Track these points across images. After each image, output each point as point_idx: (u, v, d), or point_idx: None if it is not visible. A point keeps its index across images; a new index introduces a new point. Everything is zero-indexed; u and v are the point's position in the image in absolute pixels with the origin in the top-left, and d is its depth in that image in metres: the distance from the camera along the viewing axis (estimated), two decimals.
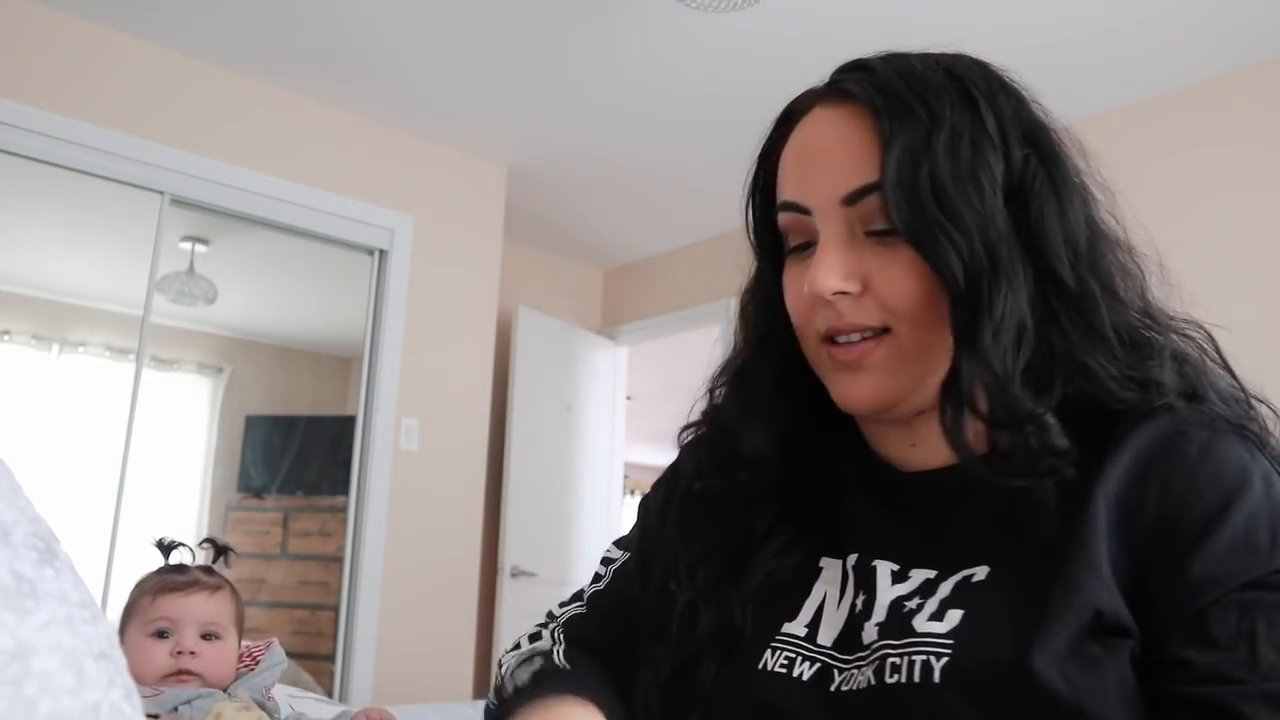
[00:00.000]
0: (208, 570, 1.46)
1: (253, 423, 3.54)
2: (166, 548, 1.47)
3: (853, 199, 0.59)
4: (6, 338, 2.88)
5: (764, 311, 0.69)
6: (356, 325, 3.31)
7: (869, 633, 0.58)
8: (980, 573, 0.56)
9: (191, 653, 1.31)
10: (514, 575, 3.77)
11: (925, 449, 0.63)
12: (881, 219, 0.58)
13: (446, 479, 3.34)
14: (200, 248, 3.22)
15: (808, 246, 0.62)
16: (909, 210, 0.55)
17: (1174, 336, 0.61)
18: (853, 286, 0.59)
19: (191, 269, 3.21)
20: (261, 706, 1.35)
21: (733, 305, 3.62)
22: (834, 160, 0.60)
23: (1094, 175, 0.63)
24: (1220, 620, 0.50)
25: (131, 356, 2.82)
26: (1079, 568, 0.52)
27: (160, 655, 1.31)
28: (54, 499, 2.63)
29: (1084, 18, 2.56)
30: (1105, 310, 0.57)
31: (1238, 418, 0.57)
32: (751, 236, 0.70)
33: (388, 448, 3.19)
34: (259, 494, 3.48)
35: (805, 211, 0.61)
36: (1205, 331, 0.62)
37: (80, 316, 3.05)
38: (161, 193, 2.85)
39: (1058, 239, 0.57)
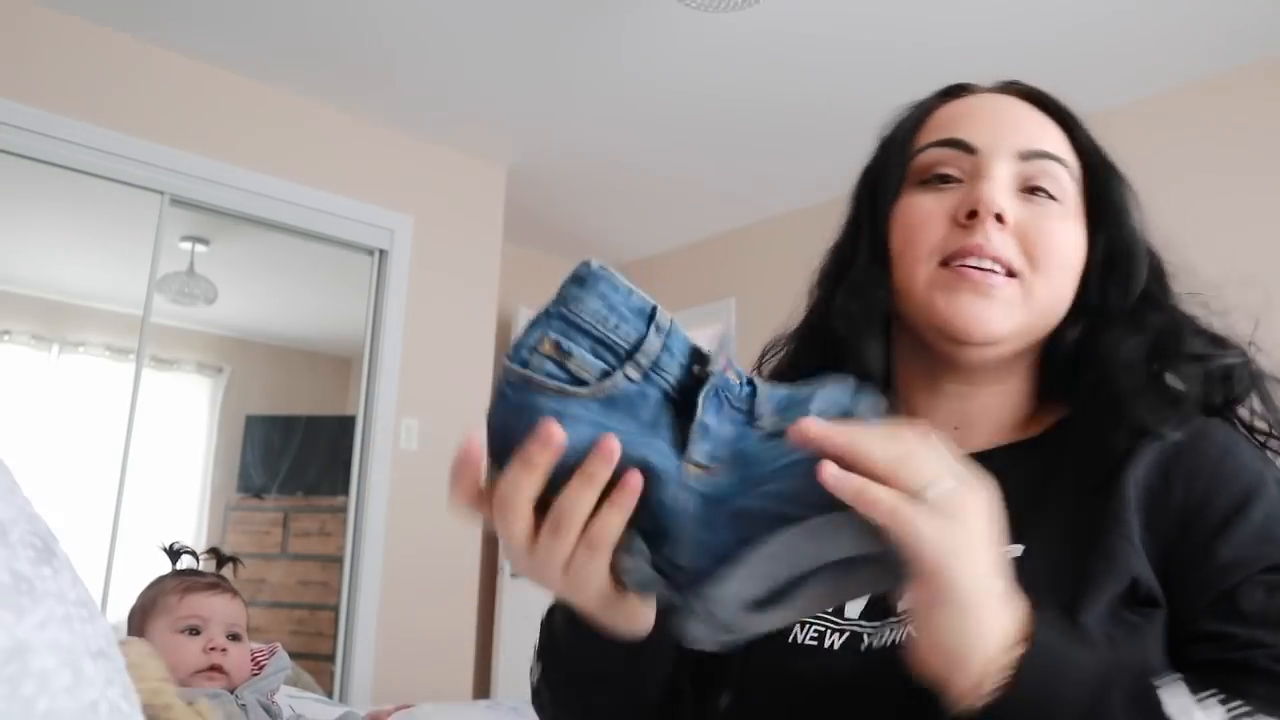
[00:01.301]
0: (220, 577, 1.50)
1: (252, 423, 3.54)
2: (175, 553, 1.50)
3: (1030, 156, 0.64)
4: (6, 338, 2.88)
5: (874, 248, 0.71)
6: (356, 325, 3.31)
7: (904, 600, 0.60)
8: (1015, 550, 0.58)
9: (223, 650, 1.35)
10: (514, 575, 3.76)
11: (967, 431, 0.67)
12: (1048, 182, 0.63)
13: (446, 479, 3.32)
14: (200, 248, 3.22)
15: (947, 180, 0.65)
16: (1109, 205, 0.65)
17: (1230, 359, 0.66)
18: (1011, 217, 0.63)
19: (191, 269, 3.21)
20: (266, 710, 1.37)
21: (733, 305, 3.61)
22: (1017, 121, 0.66)
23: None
24: (1249, 597, 0.53)
25: (131, 356, 2.82)
26: (1115, 539, 0.56)
27: (193, 650, 1.34)
28: (54, 499, 2.63)
29: (1086, 14, 2.56)
30: (1187, 336, 0.65)
31: (1262, 433, 0.64)
32: (882, 173, 0.71)
33: (387, 448, 3.19)
34: (259, 494, 3.48)
35: (970, 150, 0.65)
36: (1253, 362, 0.67)
37: (80, 316, 3.05)
38: (161, 193, 2.85)
39: (1175, 306, 0.67)
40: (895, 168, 0.68)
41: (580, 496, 0.43)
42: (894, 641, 0.58)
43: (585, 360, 0.47)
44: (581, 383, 0.47)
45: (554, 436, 0.44)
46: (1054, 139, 0.65)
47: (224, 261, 3.30)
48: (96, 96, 2.74)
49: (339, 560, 3.16)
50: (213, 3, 2.65)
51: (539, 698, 0.66)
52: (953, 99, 0.70)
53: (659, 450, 0.45)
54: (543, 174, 3.70)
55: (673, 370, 0.47)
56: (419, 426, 3.28)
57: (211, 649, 1.34)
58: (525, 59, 2.88)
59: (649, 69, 2.91)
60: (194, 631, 1.35)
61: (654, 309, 0.48)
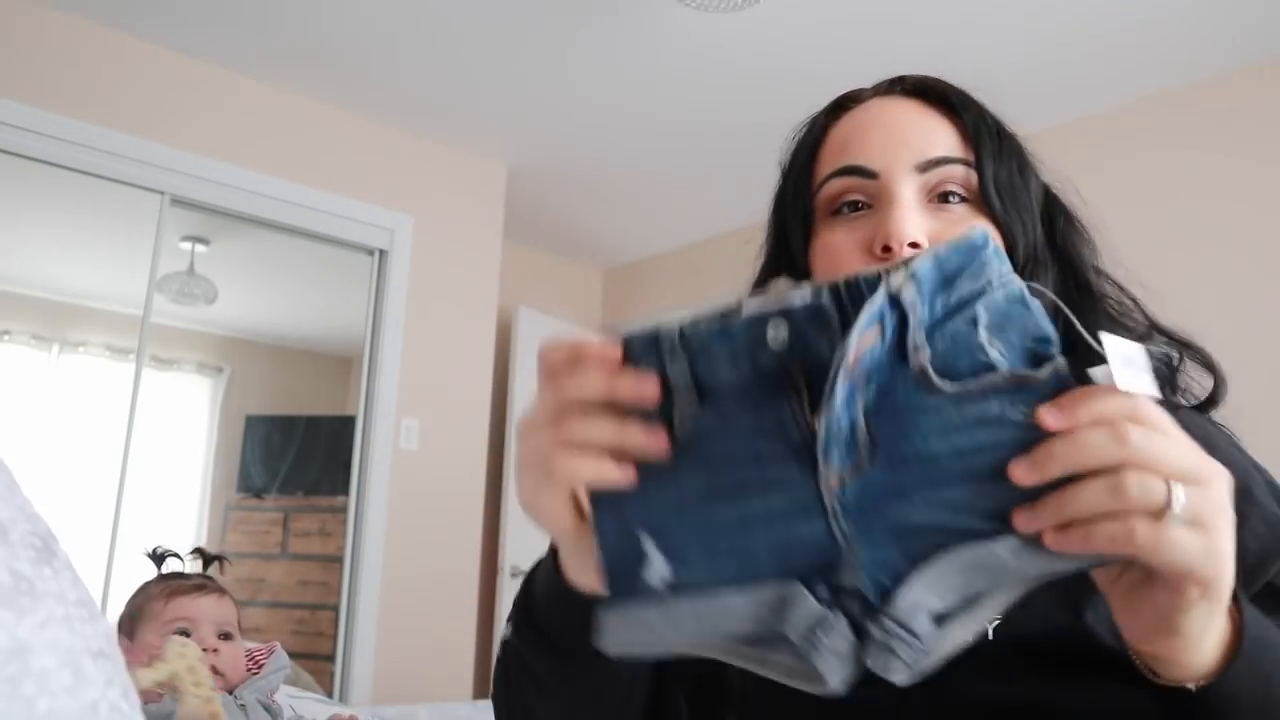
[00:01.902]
0: (206, 577, 1.49)
1: (253, 423, 3.54)
2: (159, 557, 1.49)
3: (927, 167, 0.63)
4: (6, 338, 2.88)
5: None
6: (356, 325, 3.31)
7: None
8: None
9: (215, 650, 1.34)
10: (514, 575, 3.77)
11: None
12: (953, 185, 0.63)
13: (446, 479, 3.34)
14: (200, 248, 3.22)
15: (857, 208, 0.65)
16: (998, 194, 0.63)
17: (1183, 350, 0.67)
18: (925, 241, 0.62)
19: (191, 269, 3.21)
20: (266, 709, 1.37)
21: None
22: (908, 132, 0.65)
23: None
24: None
25: (131, 356, 2.82)
26: None
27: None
28: (54, 499, 2.63)
29: (1084, 17, 2.56)
30: (1117, 307, 0.67)
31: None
32: (791, 210, 0.70)
33: (388, 448, 3.19)
34: (259, 494, 3.48)
35: (871, 175, 0.64)
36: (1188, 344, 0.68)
37: (80, 316, 3.04)
38: (161, 193, 2.85)
39: (1081, 251, 0.68)
40: (801, 201, 0.68)
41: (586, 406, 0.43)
42: None
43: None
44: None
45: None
46: (946, 138, 0.65)
47: (224, 261, 3.30)
48: (96, 96, 2.74)
49: (339, 560, 3.16)
50: (213, 2, 2.65)
51: (503, 666, 0.62)
52: (842, 113, 0.70)
53: (775, 477, 0.42)
54: (543, 174, 3.70)
55: (734, 368, 0.42)
56: (419, 426, 3.28)
57: (203, 650, 1.33)
58: (525, 59, 2.88)
59: (649, 69, 2.91)
60: (183, 634, 1.34)
61: (655, 335, 0.43)
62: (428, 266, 3.39)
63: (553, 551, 0.54)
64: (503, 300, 3.82)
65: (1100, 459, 0.38)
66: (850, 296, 0.40)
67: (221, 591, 1.45)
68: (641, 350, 0.43)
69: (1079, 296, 0.65)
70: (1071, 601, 0.54)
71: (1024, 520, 0.39)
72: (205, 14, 2.70)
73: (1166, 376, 0.65)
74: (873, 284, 0.40)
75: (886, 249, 0.61)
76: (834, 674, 0.41)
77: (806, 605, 0.41)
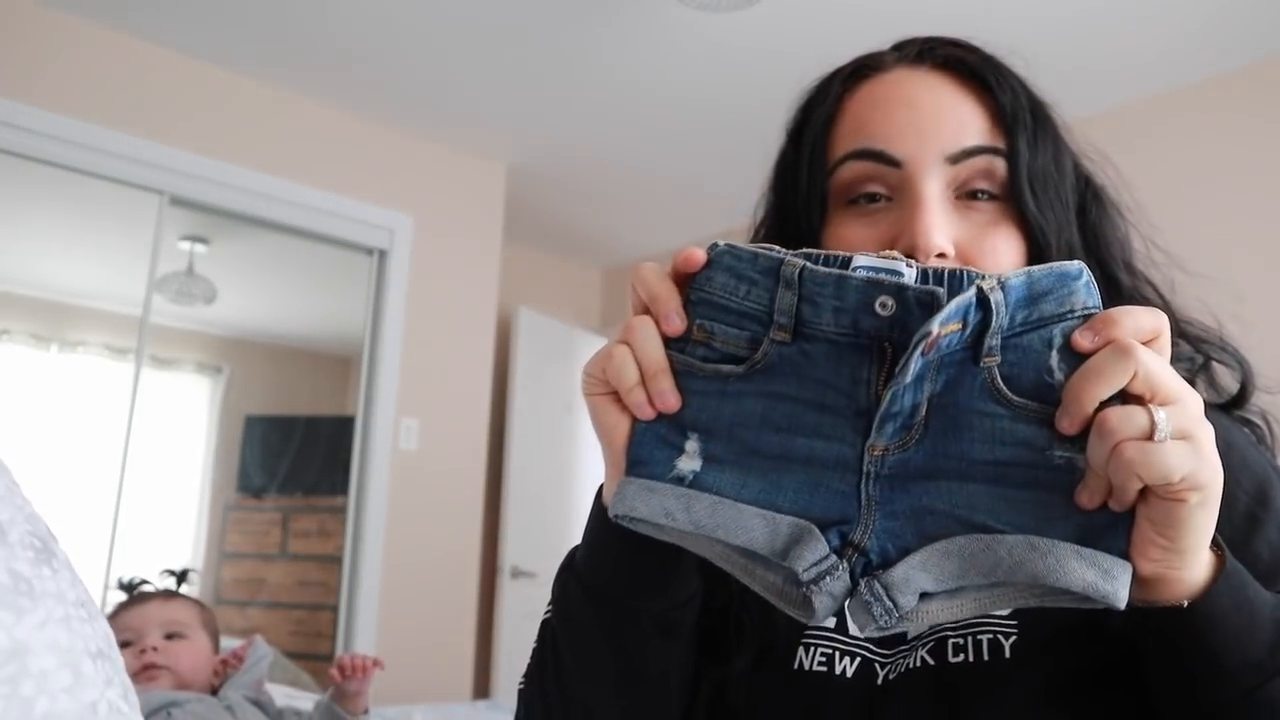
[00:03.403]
0: (167, 590, 1.50)
1: (252, 423, 3.54)
2: (130, 587, 1.51)
3: (958, 158, 0.57)
4: (6, 337, 2.88)
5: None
6: (356, 325, 3.31)
7: None
8: None
9: (154, 648, 1.34)
10: (514, 575, 3.76)
11: None
12: (983, 182, 0.58)
13: (446, 479, 3.34)
14: (199, 248, 3.22)
15: (875, 199, 0.59)
16: (1031, 190, 0.58)
17: (1204, 346, 0.64)
18: (952, 250, 0.56)
19: (191, 269, 3.21)
20: (257, 704, 1.37)
21: None
22: (939, 115, 0.59)
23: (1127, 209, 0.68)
24: None
25: (131, 356, 2.82)
26: None
27: (126, 661, 1.33)
28: (53, 499, 2.62)
29: (1088, 13, 2.56)
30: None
31: (1249, 420, 0.64)
32: (804, 190, 0.63)
33: (387, 448, 3.19)
34: (258, 494, 3.48)
35: (894, 163, 0.58)
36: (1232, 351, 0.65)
37: (80, 316, 3.04)
38: (161, 193, 2.85)
39: (1115, 247, 0.63)
40: (816, 186, 0.62)
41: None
42: (915, 665, 0.56)
43: (729, 335, 0.47)
44: (736, 359, 0.47)
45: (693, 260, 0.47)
46: (978, 123, 0.59)
47: (223, 261, 3.30)
48: (96, 96, 2.74)
49: (338, 561, 3.16)
50: (213, 2, 2.65)
51: (540, 646, 0.60)
52: (862, 81, 0.63)
53: (829, 429, 0.45)
54: (543, 174, 3.70)
55: (835, 320, 0.44)
56: (419, 426, 3.28)
57: (142, 651, 1.33)
58: (525, 59, 2.88)
59: (649, 68, 2.91)
60: (127, 644, 1.34)
61: (779, 263, 0.45)
62: (427, 267, 3.39)
63: (598, 496, 0.55)
64: (502, 300, 3.82)
65: (1114, 384, 0.41)
66: (950, 283, 0.43)
67: (169, 595, 1.46)
68: (759, 270, 0.46)
69: (1106, 296, 0.63)
70: (1086, 611, 0.53)
71: (1088, 501, 0.42)
72: (205, 14, 2.70)
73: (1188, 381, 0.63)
74: (972, 278, 0.43)
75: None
76: (824, 610, 0.44)
77: (820, 550, 0.44)
